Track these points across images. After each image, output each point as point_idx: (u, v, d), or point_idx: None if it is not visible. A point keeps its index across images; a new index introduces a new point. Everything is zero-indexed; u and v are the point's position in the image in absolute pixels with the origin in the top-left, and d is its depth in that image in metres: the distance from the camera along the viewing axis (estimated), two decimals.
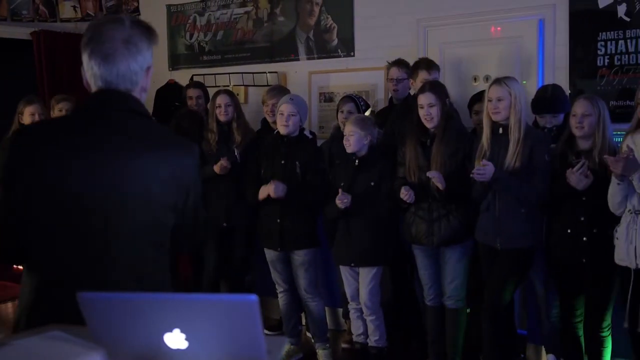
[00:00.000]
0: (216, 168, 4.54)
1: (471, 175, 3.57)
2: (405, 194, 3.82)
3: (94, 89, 1.83)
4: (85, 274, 1.75)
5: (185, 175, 1.87)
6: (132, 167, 1.77)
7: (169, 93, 6.11)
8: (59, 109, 5.06)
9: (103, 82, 1.80)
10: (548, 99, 3.95)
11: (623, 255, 3.33)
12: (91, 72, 1.80)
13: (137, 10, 6.68)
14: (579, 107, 3.52)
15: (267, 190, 4.15)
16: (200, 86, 5.40)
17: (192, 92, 5.29)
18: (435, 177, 3.72)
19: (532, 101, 4.03)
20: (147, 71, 1.84)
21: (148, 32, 1.84)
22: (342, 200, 4.00)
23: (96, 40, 1.78)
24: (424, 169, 3.87)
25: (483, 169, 3.53)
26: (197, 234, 2.03)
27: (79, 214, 1.76)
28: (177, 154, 1.85)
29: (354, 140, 4.07)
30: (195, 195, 1.92)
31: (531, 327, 4.29)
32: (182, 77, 6.22)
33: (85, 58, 1.81)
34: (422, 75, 4.32)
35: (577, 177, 3.41)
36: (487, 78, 4.72)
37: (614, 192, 3.30)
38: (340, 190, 4.02)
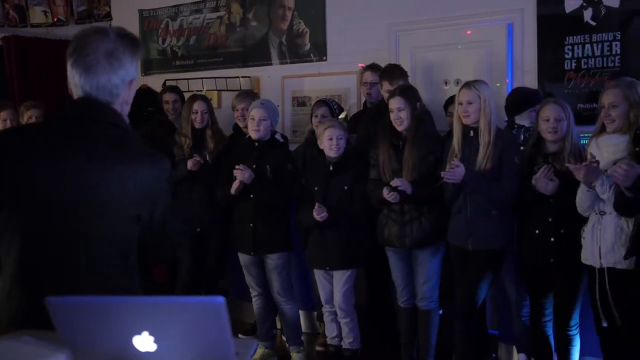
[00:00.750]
0: (189, 163, 4.52)
1: (441, 175, 3.61)
2: (388, 194, 3.83)
3: (75, 97, 1.85)
4: (53, 279, 1.76)
5: (154, 188, 1.87)
6: (103, 177, 1.78)
7: (142, 98, 6.07)
8: (28, 116, 5.01)
9: (83, 92, 1.82)
10: (529, 93, 4.05)
11: (588, 255, 3.40)
12: (73, 81, 1.83)
13: (109, 15, 6.63)
14: (551, 112, 3.58)
15: (238, 176, 4.16)
16: (177, 90, 5.39)
17: (169, 97, 5.27)
18: (399, 186, 3.77)
19: (511, 103, 4.08)
20: (129, 84, 1.86)
21: (133, 44, 1.86)
22: (319, 215, 4.01)
23: (79, 51, 1.80)
24: (396, 172, 3.91)
25: (453, 171, 3.57)
26: (166, 246, 2.03)
27: (49, 220, 1.77)
28: (147, 167, 1.86)
29: (343, 144, 4.12)
30: (164, 207, 1.93)
31: (502, 327, 4.35)
32: (155, 82, 6.20)
33: (68, 67, 1.83)
34: (386, 86, 4.37)
35: (543, 182, 3.47)
36: (457, 82, 4.77)
37: (583, 198, 3.37)
38: (317, 204, 4.02)
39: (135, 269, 1.90)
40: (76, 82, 1.82)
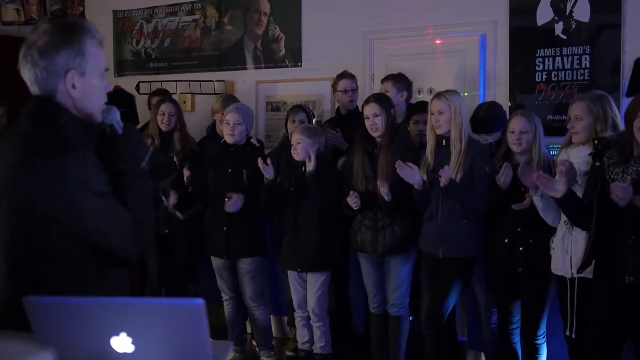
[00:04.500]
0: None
1: (438, 177, 3.63)
2: (353, 200, 3.87)
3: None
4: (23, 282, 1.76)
5: (71, 186, 1.74)
6: (15, 175, 1.76)
7: (115, 99, 6.02)
8: None
9: (31, 89, 1.86)
10: (481, 120, 4.04)
11: (559, 265, 3.45)
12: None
13: (83, 15, 6.56)
14: (517, 125, 3.64)
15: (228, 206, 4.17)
16: (162, 94, 5.36)
17: (155, 100, 5.25)
18: (384, 190, 3.80)
19: (482, 120, 4.11)
20: (65, 75, 1.81)
21: (64, 34, 1.82)
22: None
23: (23, 49, 1.84)
24: (370, 178, 3.95)
25: (443, 171, 3.61)
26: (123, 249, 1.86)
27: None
28: (69, 162, 1.75)
29: (301, 148, 4.12)
30: (96, 207, 1.77)
31: (472, 334, 4.40)
32: (128, 83, 6.15)
33: None
34: (386, 87, 4.47)
35: (504, 180, 3.54)
36: (431, 91, 4.83)
37: (536, 203, 3.43)
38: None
39: (93, 272, 1.84)
40: (25, 80, 1.86)
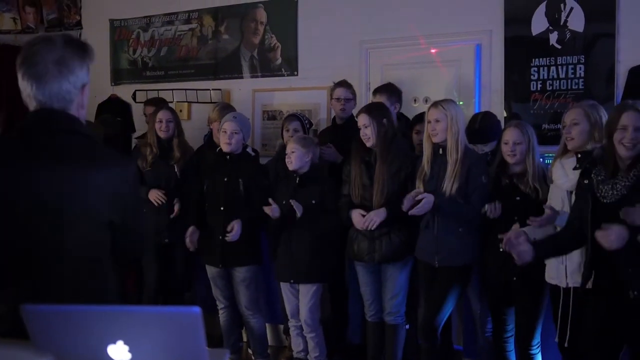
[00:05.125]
0: (151, 195, 4.52)
1: (410, 213, 3.64)
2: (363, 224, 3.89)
3: (30, 108, 1.86)
4: (26, 287, 1.76)
5: (123, 191, 1.89)
6: (69, 185, 1.79)
7: (111, 108, 6.05)
8: None
9: (37, 102, 1.84)
10: (477, 131, 4.05)
11: (553, 274, 3.46)
12: (26, 92, 1.84)
13: (79, 23, 6.59)
14: (510, 136, 3.66)
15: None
16: (156, 103, 5.38)
17: (149, 109, 5.27)
18: (373, 222, 3.85)
19: (478, 130, 4.11)
20: (82, 89, 1.87)
21: (81, 50, 1.87)
22: (269, 209, 4.05)
23: (29, 62, 1.82)
24: (367, 187, 3.96)
25: (421, 205, 3.61)
26: (134, 245, 2.05)
27: (17, 229, 1.77)
28: (114, 170, 1.88)
29: (295, 157, 4.13)
30: (133, 209, 1.97)
31: (467, 342, 4.40)
32: (125, 92, 6.17)
33: (19, 78, 1.84)
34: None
35: (494, 216, 3.60)
36: (426, 100, 4.85)
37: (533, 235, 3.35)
38: (281, 203, 4.07)
39: (108, 273, 1.92)
40: (29, 93, 1.83)
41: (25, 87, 1.83)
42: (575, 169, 3.28)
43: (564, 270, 3.38)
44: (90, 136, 1.91)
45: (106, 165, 1.86)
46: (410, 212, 3.64)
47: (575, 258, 3.32)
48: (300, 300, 4.28)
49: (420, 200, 3.63)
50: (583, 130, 3.38)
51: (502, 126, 4.16)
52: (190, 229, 4.31)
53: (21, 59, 1.84)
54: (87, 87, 1.89)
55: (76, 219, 1.80)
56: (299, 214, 4.07)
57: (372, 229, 3.87)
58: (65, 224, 1.79)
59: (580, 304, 3.30)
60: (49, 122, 1.83)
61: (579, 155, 3.26)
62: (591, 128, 3.37)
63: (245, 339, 4.87)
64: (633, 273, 2.84)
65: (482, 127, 4.08)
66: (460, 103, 4.66)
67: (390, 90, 4.53)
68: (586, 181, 3.04)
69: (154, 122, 4.68)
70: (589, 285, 3.20)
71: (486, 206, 3.62)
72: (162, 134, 4.65)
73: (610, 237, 2.74)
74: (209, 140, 5.04)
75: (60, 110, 1.84)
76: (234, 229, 4.14)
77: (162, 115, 4.68)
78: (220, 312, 4.55)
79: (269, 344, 4.78)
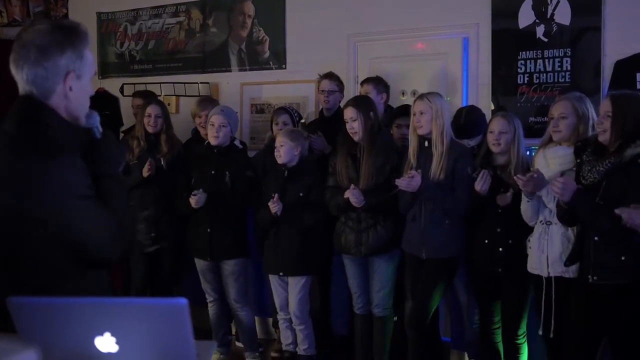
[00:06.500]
0: (144, 170, 4.47)
1: (396, 183, 3.67)
2: (354, 199, 3.88)
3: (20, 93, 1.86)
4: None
5: (56, 187, 1.76)
6: (9, 179, 1.76)
7: (99, 101, 6.01)
8: None
9: (21, 89, 1.83)
10: (462, 126, 4.06)
11: (535, 264, 3.49)
12: (15, 78, 1.84)
13: (66, 17, 6.53)
14: (496, 125, 3.69)
15: (191, 201, 4.17)
16: (144, 95, 5.37)
17: (137, 101, 5.26)
18: (352, 198, 3.84)
19: (463, 125, 4.11)
20: (65, 77, 1.82)
21: (67, 36, 1.83)
22: (274, 205, 4.05)
23: (15, 47, 1.82)
24: (353, 180, 3.97)
25: (409, 180, 3.64)
26: (112, 246, 1.88)
27: None
28: (65, 164, 1.78)
29: (284, 150, 4.14)
30: (83, 208, 1.79)
31: (454, 334, 4.44)
32: (112, 85, 6.15)
33: (10, 63, 1.84)
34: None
35: (482, 186, 3.59)
36: (414, 93, 4.85)
37: (525, 208, 3.49)
38: (275, 195, 4.07)
39: (82, 273, 1.84)
40: (16, 79, 1.83)
41: (14, 73, 1.83)
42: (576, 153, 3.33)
43: (545, 260, 3.42)
44: (48, 125, 1.81)
45: (41, 154, 1.75)
46: (396, 182, 3.66)
47: (556, 248, 3.37)
48: (290, 292, 4.29)
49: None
50: (570, 123, 3.42)
51: (487, 120, 4.18)
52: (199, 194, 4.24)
53: (13, 45, 1.84)
54: (71, 75, 1.82)
55: (25, 213, 1.74)
56: (278, 214, 4.09)
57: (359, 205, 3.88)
58: (15, 219, 1.74)
59: (563, 293, 3.35)
60: (18, 107, 1.82)
61: (579, 144, 3.30)
62: (578, 121, 3.41)
63: (234, 333, 4.88)
64: (595, 258, 2.99)
65: (467, 122, 4.09)
66: (448, 99, 4.67)
67: (377, 80, 4.54)
68: (578, 160, 3.13)
69: (143, 116, 4.67)
70: (565, 273, 3.27)
71: (479, 172, 3.62)
72: (150, 129, 4.64)
73: (558, 184, 2.97)
74: (197, 134, 5.04)
75: (35, 97, 1.81)
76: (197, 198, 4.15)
77: (151, 109, 4.66)
78: (210, 305, 4.56)
79: (258, 337, 4.79)
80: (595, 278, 3.01)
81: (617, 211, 2.83)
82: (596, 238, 3.01)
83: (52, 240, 1.76)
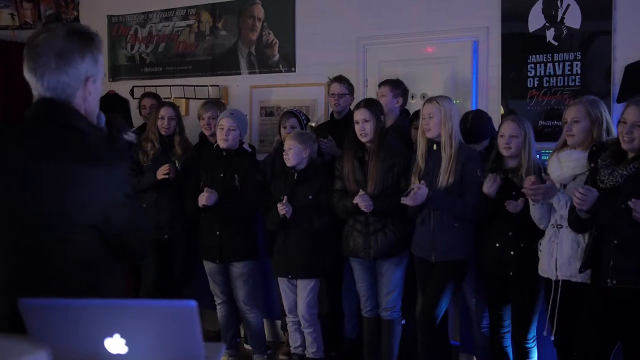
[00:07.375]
0: (158, 173, 4.49)
1: (402, 201, 3.66)
2: (363, 204, 3.87)
3: (35, 99, 1.86)
4: (20, 286, 1.77)
5: (106, 191, 1.81)
6: (47, 180, 1.76)
7: (109, 104, 6.05)
8: None
9: (38, 94, 1.84)
10: (468, 131, 4.04)
11: (545, 267, 3.48)
12: (31, 84, 1.84)
13: (77, 19, 6.58)
14: (507, 129, 3.68)
15: (201, 198, 4.18)
16: (154, 96, 5.40)
17: (146, 102, 5.29)
18: (361, 204, 3.84)
19: (470, 130, 4.08)
20: (85, 81, 1.84)
21: (85, 41, 1.84)
22: (283, 207, 4.06)
23: (30, 54, 1.82)
24: (360, 183, 3.97)
25: (414, 196, 3.63)
26: (132, 247, 1.95)
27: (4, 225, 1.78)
28: (99, 170, 1.80)
29: (292, 154, 4.15)
30: (121, 209, 1.85)
31: (463, 337, 4.42)
32: (123, 88, 6.18)
33: (24, 70, 1.84)
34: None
35: (489, 190, 3.58)
36: (423, 96, 4.85)
37: (533, 212, 3.47)
38: (285, 197, 4.08)
39: (102, 274, 1.87)
40: (32, 85, 1.84)
41: (29, 80, 1.84)
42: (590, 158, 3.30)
43: (554, 263, 3.40)
44: (83, 131, 1.83)
45: (89, 162, 1.78)
46: (402, 201, 3.65)
47: (565, 251, 3.35)
48: (298, 295, 4.29)
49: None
50: (584, 127, 3.40)
51: (494, 123, 4.18)
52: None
53: (25, 51, 1.84)
54: (91, 80, 1.85)
55: (53, 216, 1.76)
56: (287, 216, 4.08)
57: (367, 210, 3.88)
58: (41, 221, 1.76)
59: (570, 297, 3.34)
60: (43, 112, 1.82)
61: (594, 149, 3.28)
62: (592, 125, 3.40)
63: (242, 335, 4.88)
64: (614, 262, 2.96)
65: (473, 127, 4.08)
66: (457, 101, 4.67)
67: (395, 83, 4.53)
68: (592, 164, 3.11)
69: (156, 118, 4.68)
70: (574, 277, 3.25)
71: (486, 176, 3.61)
72: (163, 131, 4.66)
73: (579, 195, 2.94)
74: (202, 136, 5.05)
75: (58, 101, 1.81)
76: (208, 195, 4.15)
77: (164, 112, 4.68)
78: (218, 307, 4.57)
79: (267, 339, 4.80)
80: (614, 282, 2.98)
81: (631, 203, 2.83)
82: (615, 242, 2.99)
83: (97, 240, 1.82)
